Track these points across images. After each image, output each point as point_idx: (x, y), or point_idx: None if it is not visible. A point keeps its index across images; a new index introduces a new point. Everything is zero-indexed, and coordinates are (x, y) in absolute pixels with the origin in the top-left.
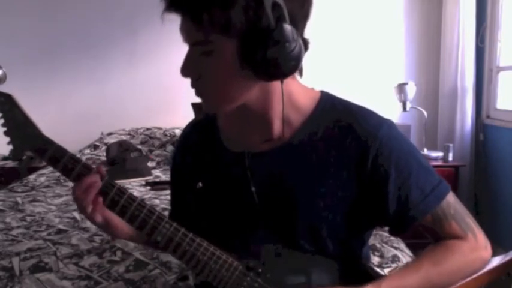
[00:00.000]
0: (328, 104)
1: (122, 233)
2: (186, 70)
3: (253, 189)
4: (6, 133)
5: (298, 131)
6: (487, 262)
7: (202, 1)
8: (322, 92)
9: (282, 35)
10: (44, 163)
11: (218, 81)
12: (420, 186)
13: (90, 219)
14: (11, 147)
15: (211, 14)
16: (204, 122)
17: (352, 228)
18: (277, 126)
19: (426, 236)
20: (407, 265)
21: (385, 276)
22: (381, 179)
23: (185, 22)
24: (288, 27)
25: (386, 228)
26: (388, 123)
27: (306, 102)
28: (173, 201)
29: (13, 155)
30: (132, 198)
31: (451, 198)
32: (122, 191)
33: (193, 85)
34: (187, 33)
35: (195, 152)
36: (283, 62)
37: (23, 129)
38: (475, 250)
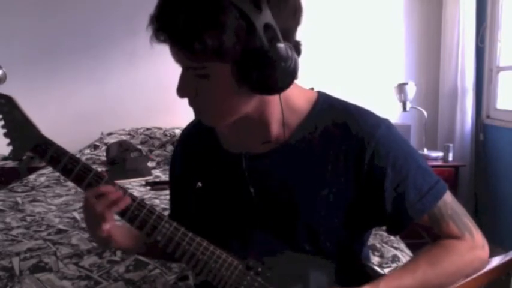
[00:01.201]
0: (325, 104)
1: (121, 245)
2: (182, 91)
3: (251, 190)
4: (6, 135)
5: (295, 132)
6: (485, 261)
7: (193, 29)
8: (319, 92)
9: (277, 54)
10: (44, 164)
11: (216, 100)
12: (417, 186)
13: (98, 231)
14: (11, 148)
15: (203, 42)
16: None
17: (351, 228)
18: (275, 129)
19: (424, 235)
20: (404, 265)
21: (382, 276)
22: (378, 179)
23: (176, 49)
24: (282, 46)
25: (385, 228)
26: (385, 123)
27: (303, 104)
28: (172, 202)
29: (13, 156)
30: (131, 198)
31: (448, 198)
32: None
33: (190, 104)
34: (179, 58)
35: (194, 153)
36: (280, 79)
37: (23, 131)
38: (472, 250)
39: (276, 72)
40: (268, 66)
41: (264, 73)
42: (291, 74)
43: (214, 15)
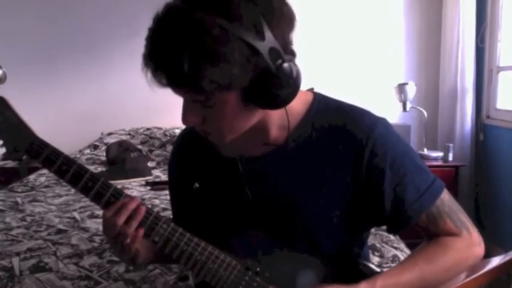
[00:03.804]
0: (321, 105)
1: (145, 260)
2: (188, 121)
3: (248, 192)
4: None
5: (292, 134)
6: (480, 258)
7: (199, 69)
8: (315, 93)
9: (283, 74)
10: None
11: (225, 123)
12: (415, 185)
13: (124, 254)
14: (4, 149)
15: (212, 80)
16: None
17: (349, 228)
18: (273, 133)
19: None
20: (402, 262)
21: (380, 273)
22: (376, 179)
23: (179, 89)
24: (287, 65)
25: (384, 228)
26: (383, 122)
27: (299, 105)
28: (173, 203)
29: (8, 157)
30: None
31: (445, 196)
32: (119, 191)
33: (198, 128)
34: (180, 94)
35: (192, 154)
36: (287, 95)
37: (16, 132)
38: (469, 247)
39: (283, 91)
40: (276, 86)
41: (271, 93)
42: (296, 87)
43: (219, 52)
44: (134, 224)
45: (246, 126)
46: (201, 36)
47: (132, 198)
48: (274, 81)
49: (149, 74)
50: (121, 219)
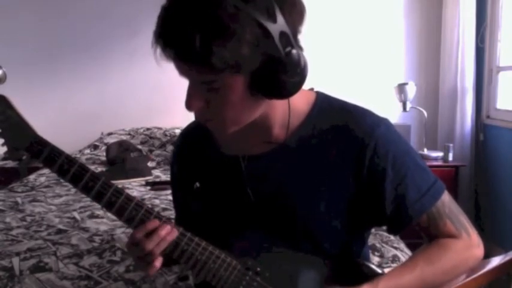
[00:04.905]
0: (324, 104)
1: None
2: (192, 106)
3: (249, 191)
4: (0, 134)
5: (294, 132)
6: (480, 260)
7: (210, 45)
8: (317, 92)
9: (292, 61)
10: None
11: (229, 110)
12: (417, 185)
13: (148, 269)
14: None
15: (222, 57)
16: (201, 125)
17: (350, 228)
18: (276, 131)
19: (423, 236)
20: (403, 264)
21: (381, 275)
22: (377, 179)
23: (187, 65)
24: (295, 52)
25: (385, 228)
26: (384, 122)
27: (302, 105)
28: (175, 202)
29: (9, 156)
30: (129, 198)
31: (445, 197)
32: (119, 191)
33: (199, 116)
34: (188, 73)
35: (193, 153)
36: (294, 84)
37: (17, 130)
38: (469, 248)
39: (290, 78)
40: (284, 73)
41: (279, 80)
42: (303, 78)
43: (232, 29)
44: (164, 245)
45: (249, 118)
46: (213, 12)
47: (165, 222)
48: (282, 68)
49: (158, 51)
50: (152, 244)
